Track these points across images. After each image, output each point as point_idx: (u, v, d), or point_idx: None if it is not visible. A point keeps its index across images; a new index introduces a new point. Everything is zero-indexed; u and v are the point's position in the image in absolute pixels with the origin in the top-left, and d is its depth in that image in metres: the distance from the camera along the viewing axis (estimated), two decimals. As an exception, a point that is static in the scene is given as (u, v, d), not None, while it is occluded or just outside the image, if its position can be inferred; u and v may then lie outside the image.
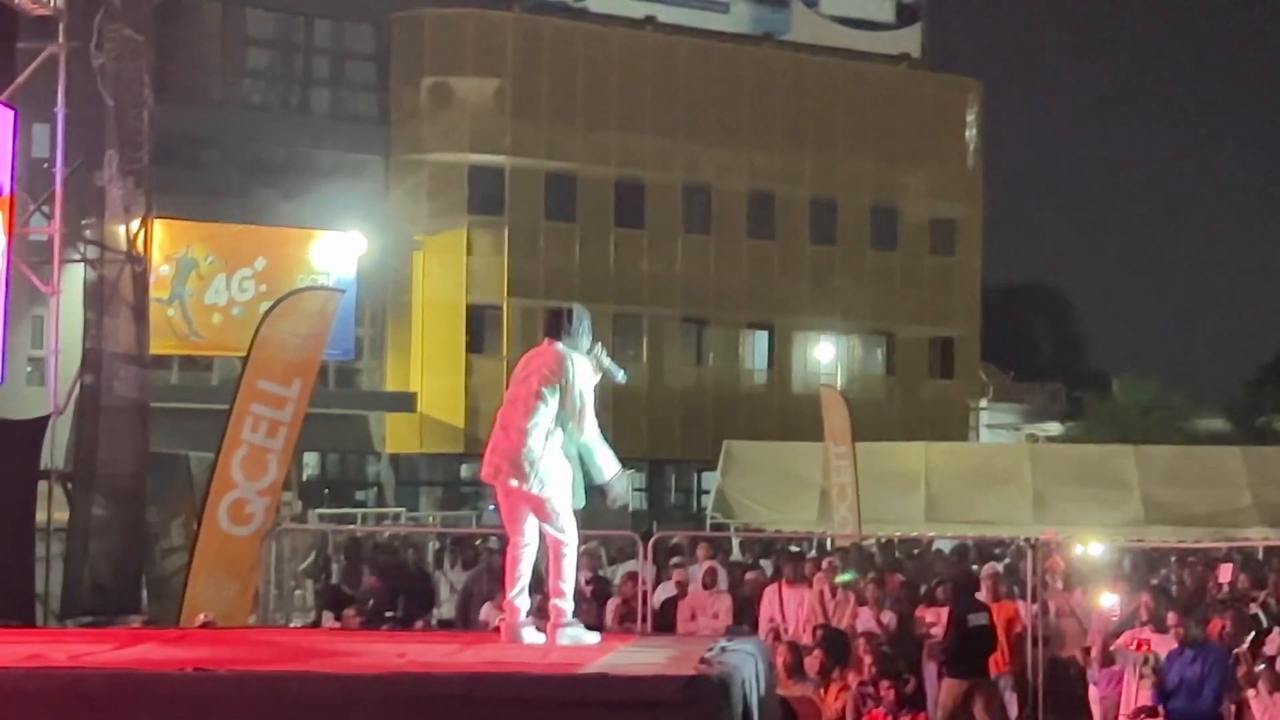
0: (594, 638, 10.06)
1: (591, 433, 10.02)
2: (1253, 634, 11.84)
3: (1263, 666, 11.24)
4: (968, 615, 18.16)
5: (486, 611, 18.66)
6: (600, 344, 10.27)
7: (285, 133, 46.93)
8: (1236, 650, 11.82)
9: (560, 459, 9.95)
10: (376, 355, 48.00)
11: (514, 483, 9.96)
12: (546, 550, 10.13)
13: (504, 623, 10.14)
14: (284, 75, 48.99)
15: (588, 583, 20.96)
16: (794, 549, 25.49)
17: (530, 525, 10.07)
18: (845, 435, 26.43)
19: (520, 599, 10.05)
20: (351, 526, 30.94)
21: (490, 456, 10.07)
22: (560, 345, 10.02)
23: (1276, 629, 11.62)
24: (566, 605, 10.01)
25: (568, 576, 10.06)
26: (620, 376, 10.39)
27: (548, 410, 9.89)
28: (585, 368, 10.01)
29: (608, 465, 10.13)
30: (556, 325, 10.13)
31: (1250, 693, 11.39)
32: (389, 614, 19.30)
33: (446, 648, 9.87)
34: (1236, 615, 14.49)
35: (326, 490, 45.45)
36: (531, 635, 9.98)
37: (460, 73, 48.71)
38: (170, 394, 34.85)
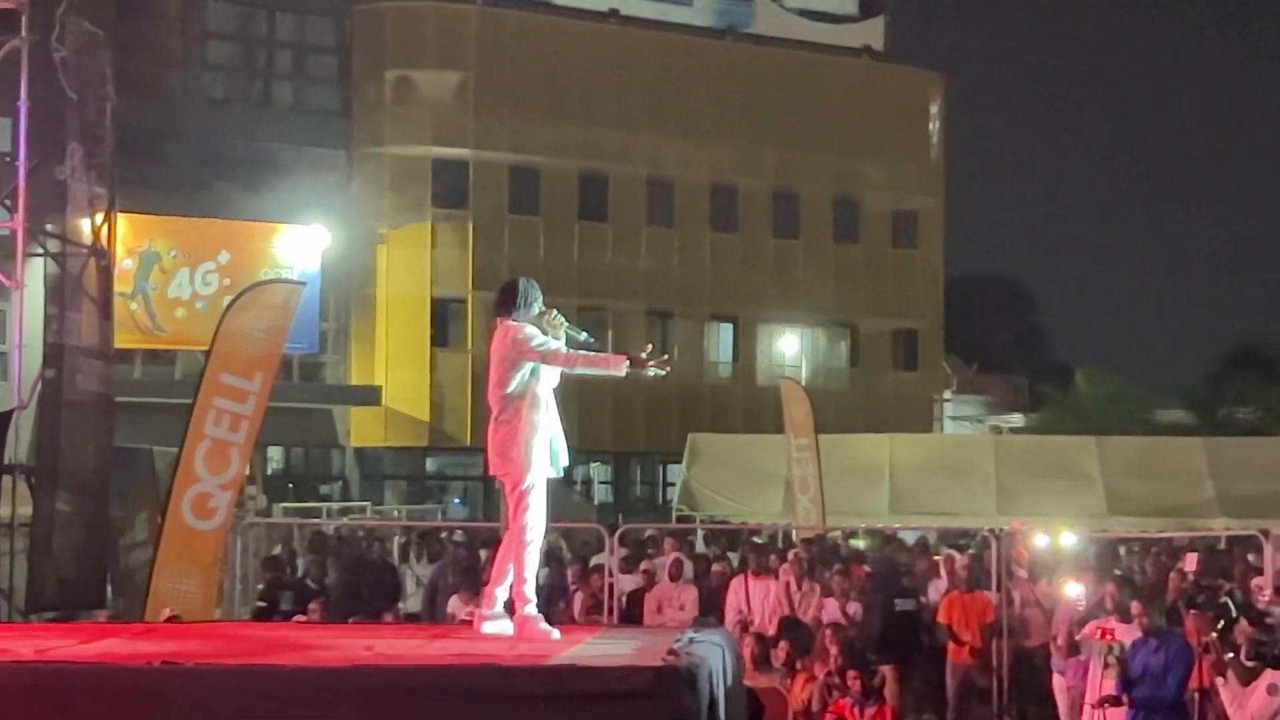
0: (554, 634, 10.00)
1: (573, 360, 10.05)
2: (1222, 623, 11.92)
3: (1230, 656, 11.30)
4: (894, 600, 18.40)
5: (453, 604, 18.68)
6: (556, 311, 10.26)
7: (247, 126, 46.76)
8: (1205, 639, 11.88)
9: (535, 443, 9.93)
10: (341, 349, 47.90)
11: (495, 472, 10.10)
12: (510, 540, 10.12)
13: (517, 618, 10.04)
14: (245, 68, 48.84)
15: (550, 576, 21.04)
16: (759, 541, 25.59)
17: None
18: (807, 428, 26.45)
19: (529, 590, 10.02)
20: (316, 520, 30.82)
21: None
22: (510, 320, 10.09)
23: (1244, 619, 11.68)
24: (530, 595, 9.99)
25: (531, 568, 10.03)
26: (584, 337, 10.34)
27: (517, 391, 9.93)
28: (533, 330, 10.03)
29: (615, 363, 10.14)
30: (502, 302, 10.25)
31: (1219, 681, 11.45)
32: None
33: (413, 640, 9.87)
34: (1207, 605, 14.55)
35: (291, 484, 45.33)
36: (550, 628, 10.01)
37: (422, 66, 48.64)
38: (134, 388, 34.69)
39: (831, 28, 55.21)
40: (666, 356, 10.38)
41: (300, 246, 40.65)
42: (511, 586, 10.08)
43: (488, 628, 9.99)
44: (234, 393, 17.11)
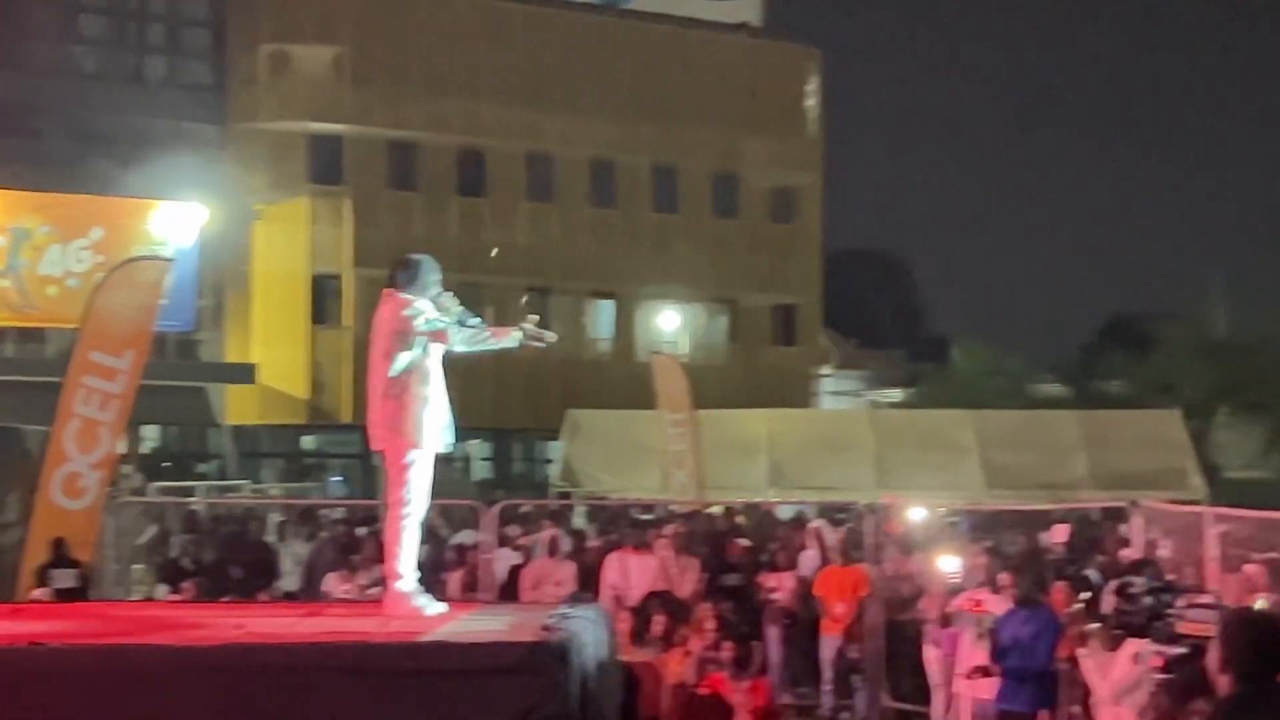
0: (440, 607, 9.96)
1: (462, 337, 9.96)
2: (1087, 594, 12.11)
3: (1096, 625, 11.48)
4: (720, 575, 18.63)
5: (329, 582, 18.60)
6: (451, 293, 10.21)
7: (120, 101, 46.17)
8: (1069, 610, 12.07)
9: (425, 417, 9.86)
10: (217, 326, 47.47)
11: (380, 446, 10.02)
12: (389, 515, 10.08)
13: (391, 594, 9.97)
14: (117, 42, 48.21)
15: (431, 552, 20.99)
16: (641, 516, 25.66)
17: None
18: (683, 402, 26.49)
19: (403, 565, 9.92)
20: (192, 499, 30.55)
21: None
22: (401, 295, 10.01)
23: (1108, 589, 11.87)
24: (403, 570, 9.91)
25: (407, 543, 9.93)
26: (476, 322, 10.23)
27: (407, 366, 9.86)
28: (425, 305, 9.96)
29: (504, 336, 10.10)
30: (397, 274, 10.15)
31: (1081, 652, 11.63)
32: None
33: (286, 618, 9.82)
34: (1071, 576, 14.77)
35: (167, 463, 44.90)
36: (430, 604, 9.90)
37: (298, 40, 48.21)
38: (4, 367, 34.31)
39: (709, 4, 55.27)
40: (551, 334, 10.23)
41: (175, 223, 40.32)
42: (385, 562, 10.04)
43: (402, 603, 9.83)
44: (103, 371, 16.93)
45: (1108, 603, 11.56)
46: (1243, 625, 6.74)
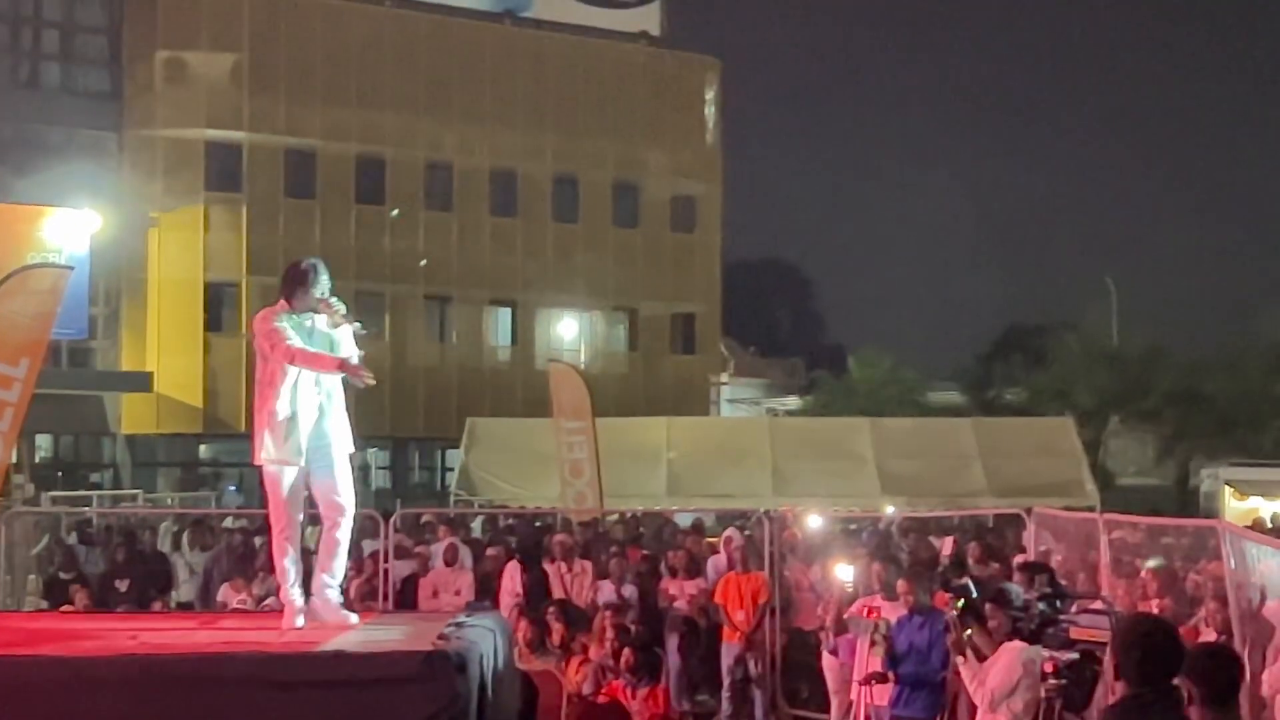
0: (333, 618, 9.80)
1: (291, 355, 9.62)
2: (961, 602, 12.23)
3: (968, 633, 11.58)
4: (619, 583, 18.84)
5: (224, 593, 18.48)
6: (336, 298, 9.90)
7: (14, 107, 45.71)
8: (946, 618, 12.18)
9: (282, 431, 9.66)
10: (111, 334, 47.08)
11: (256, 461, 9.87)
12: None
13: (314, 602, 9.81)
14: (12, 48, 47.74)
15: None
16: (539, 524, 25.64)
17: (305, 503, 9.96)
18: (582, 410, 26.43)
19: (287, 577, 9.79)
20: (85, 509, 30.22)
21: None
22: (281, 301, 9.79)
23: (985, 600, 11.98)
24: (289, 587, 9.76)
25: (289, 557, 9.83)
26: (357, 327, 9.99)
27: (267, 378, 9.70)
28: (290, 320, 9.71)
29: (327, 364, 9.74)
30: (284, 282, 9.92)
31: (959, 660, 11.74)
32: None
33: (181, 629, 9.75)
34: (946, 586, 14.91)
35: (60, 473, 44.43)
36: (330, 614, 9.76)
37: (195, 47, 47.90)
38: (-106, 376, 33.69)
39: (609, 12, 55.40)
40: (371, 376, 9.80)
41: (69, 230, 39.91)
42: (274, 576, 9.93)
43: (289, 615, 9.70)
44: (-2, 379, 16.72)
45: (992, 613, 11.63)
46: (1136, 630, 6.83)
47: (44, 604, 19.11)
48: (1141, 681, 6.56)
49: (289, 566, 9.83)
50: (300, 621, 9.65)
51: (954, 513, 26.43)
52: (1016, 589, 12.29)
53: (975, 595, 12.77)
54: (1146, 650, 6.60)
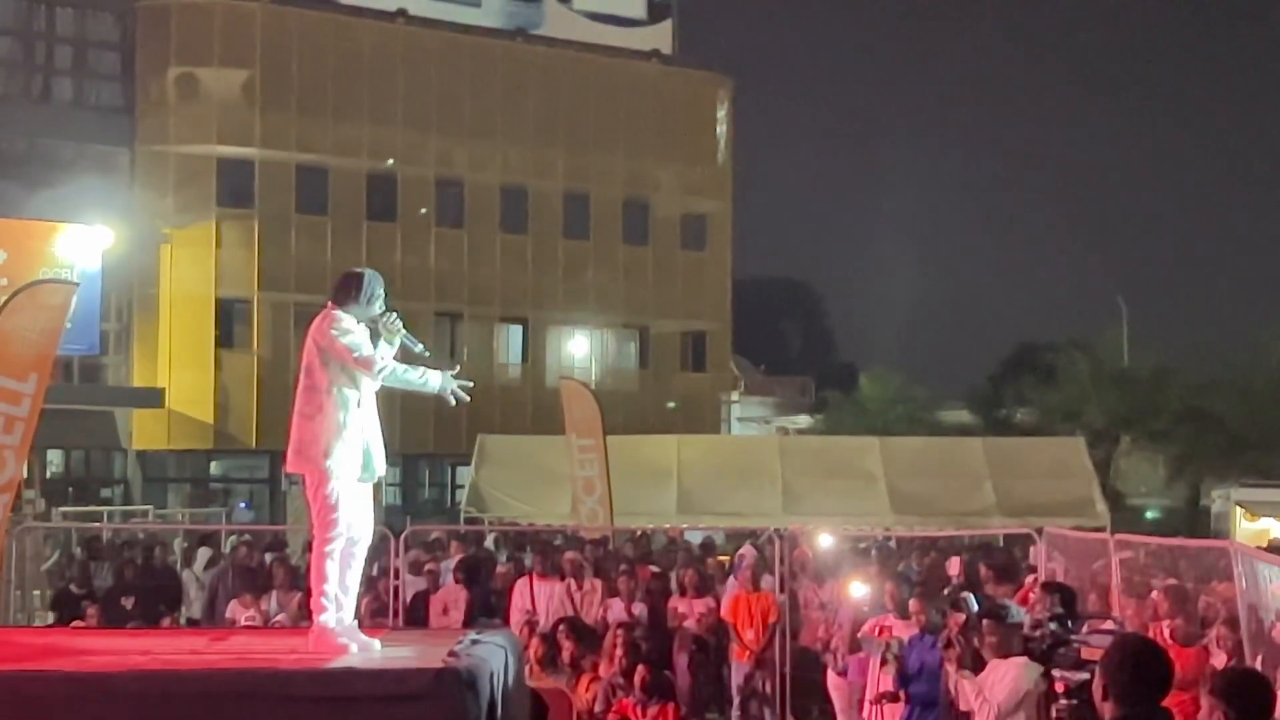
0: (370, 644, 9.28)
1: (388, 372, 9.41)
2: (964, 618, 12.26)
3: (965, 648, 11.61)
4: (629, 601, 18.83)
5: (233, 609, 18.47)
6: (395, 314, 9.58)
7: (27, 122, 45.84)
8: (948, 636, 12.18)
9: (347, 444, 9.26)
10: (123, 350, 47.12)
11: (292, 469, 9.42)
12: (314, 547, 9.45)
13: (314, 628, 9.29)
14: (25, 64, 47.84)
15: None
16: (551, 542, 25.62)
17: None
18: (593, 428, 26.43)
19: (326, 599, 9.26)
20: (96, 524, 30.25)
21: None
22: (336, 311, 9.37)
23: (984, 618, 11.96)
24: (327, 604, 9.23)
25: (330, 575, 9.25)
26: (420, 349, 9.75)
27: (326, 387, 9.28)
28: (354, 325, 9.34)
29: (431, 378, 9.57)
30: (339, 289, 9.51)
31: (962, 676, 11.73)
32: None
33: (193, 645, 9.74)
34: (954, 605, 14.83)
35: (70, 488, 44.47)
36: (356, 641, 9.22)
37: (208, 63, 48.01)
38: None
39: (620, 30, 55.47)
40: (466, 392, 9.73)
41: (81, 246, 39.97)
42: (310, 595, 9.45)
43: (324, 638, 9.16)
44: (8, 395, 16.73)
45: (991, 630, 11.61)
46: (1123, 651, 6.80)
47: (51, 618, 19.11)
48: (1133, 702, 6.53)
49: (336, 585, 9.35)
50: (368, 643, 9.25)
51: (964, 532, 26.40)
52: (1015, 607, 12.27)
53: (976, 609, 12.77)
54: (1135, 671, 6.58)
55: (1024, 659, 10.94)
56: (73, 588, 20.32)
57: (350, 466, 9.31)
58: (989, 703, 11.14)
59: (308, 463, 9.28)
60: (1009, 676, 11.09)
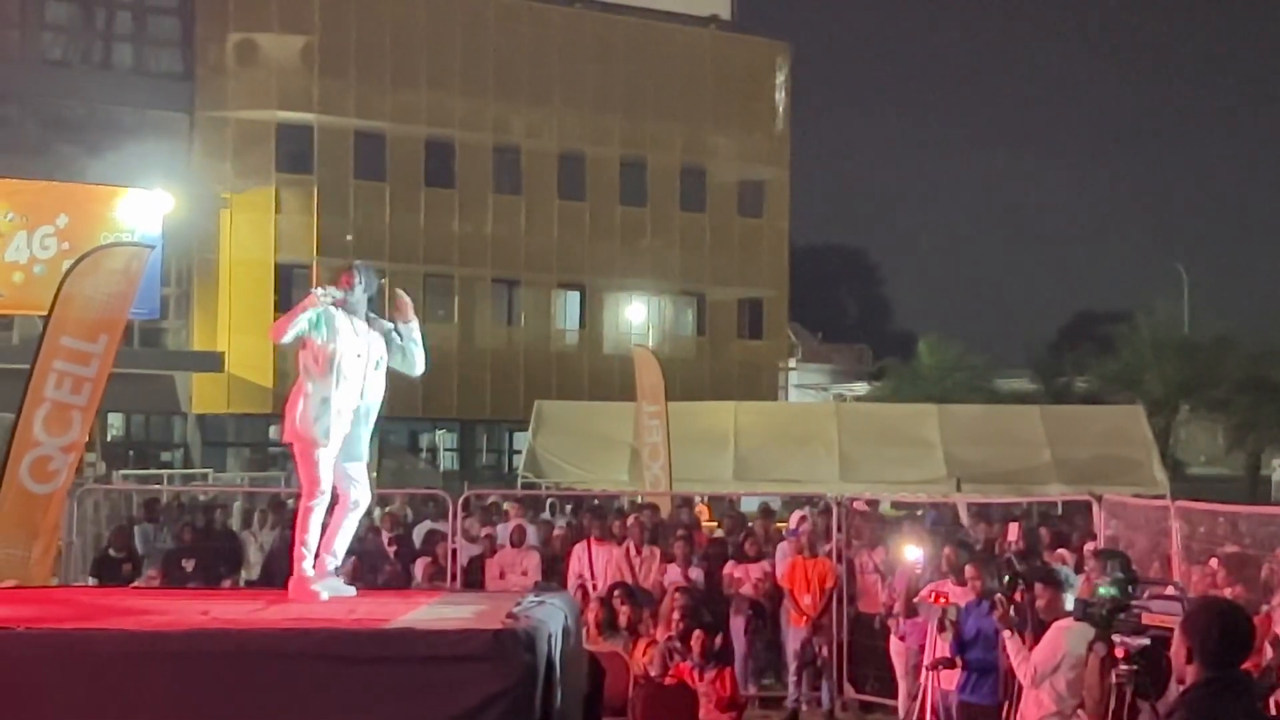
0: (345, 591, 10.03)
1: (284, 336, 9.99)
2: (1007, 579, 12.25)
3: (1013, 609, 11.62)
4: (686, 566, 18.78)
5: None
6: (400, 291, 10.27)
7: (87, 88, 46.11)
8: (994, 596, 12.16)
9: (315, 412, 9.92)
10: (182, 314, 47.40)
11: (285, 441, 10.22)
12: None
13: (294, 578, 10.01)
14: (85, 30, 48.08)
15: (390, 542, 20.99)
16: (608, 506, 25.66)
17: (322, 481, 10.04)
18: (658, 395, 26.50)
19: (307, 549, 9.98)
20: (156, 487, 30.44)
21: None
22: (315, 290, 9.98)
23: (1036, 580, 11.96)
24: (306, 553, 9.93)
25: (311, 529, 9.95)
26: (319, 291, 10.07)
27: (306, 359, 10.03)
28: (340, 319, 9.94)
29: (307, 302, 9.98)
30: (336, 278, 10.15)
31: (1005, 634, 11.70)
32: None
33: (251, 605, 9.79)
34: (998, 568, 14.75)
35: (131, 451, 44.78)
36: (330, 589, 9.92)
37: (266, 29, 48.13)
38: (-32, 354, 34.06)
39: (679, -4, 55.30)
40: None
41: (141, 210, 40.23)
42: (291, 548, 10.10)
43: (300, 587, 9.88)
44: (76, 355, 16.75)
45: (1044, 595, 11.60)
46: (1209, 614, 6.72)
47: (92, 581, 19.16)
48: (1215, 665, 6.46)
49: (316, 540, 10.04)
50: (342, 590, 10.00)
51: (1023, 499, 26.32)
52: (1067, 570, 12.22)
53: (1018, 575, 12.74)
54: (1221, 634, 6.51)
55: (1068, 621, 10.86)
56: (111, 551, 20.40)
57: (334, 438, 9.96)
58: (1029, 662, 11.13)
59: (287, 428, 10.11)
60: (1050, 638, 11.05)
